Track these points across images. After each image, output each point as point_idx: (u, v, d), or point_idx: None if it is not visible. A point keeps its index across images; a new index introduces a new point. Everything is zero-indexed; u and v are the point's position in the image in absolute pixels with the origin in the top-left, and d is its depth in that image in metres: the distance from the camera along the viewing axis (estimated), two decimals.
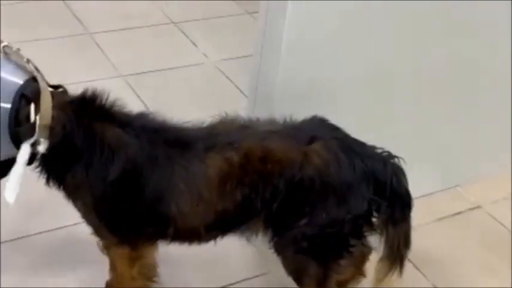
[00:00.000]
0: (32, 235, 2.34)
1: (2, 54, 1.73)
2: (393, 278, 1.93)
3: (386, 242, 1.89)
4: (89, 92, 1.78)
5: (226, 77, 3.34)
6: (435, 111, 2.53)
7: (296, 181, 1.77)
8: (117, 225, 1.85)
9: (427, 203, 2.60)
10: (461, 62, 2.46)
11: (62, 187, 1.84)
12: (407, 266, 2.33)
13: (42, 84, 1.71)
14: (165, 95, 3.16)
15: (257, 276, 2.27)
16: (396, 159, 1.86)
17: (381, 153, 1.87)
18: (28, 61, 1.76)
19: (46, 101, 1.70)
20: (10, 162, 1.72)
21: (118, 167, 1.74)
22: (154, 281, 2.00)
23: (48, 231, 2.37)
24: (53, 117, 1.71)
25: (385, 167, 1.83)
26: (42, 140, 1.70)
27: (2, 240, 2.29)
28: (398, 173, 1.84)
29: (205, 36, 3.66)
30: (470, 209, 2.67)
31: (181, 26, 3.74)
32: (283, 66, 2.13)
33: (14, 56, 1.75)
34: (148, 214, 1.81)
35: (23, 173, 1.72)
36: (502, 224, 2.62)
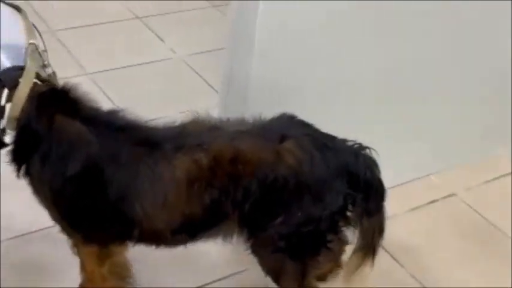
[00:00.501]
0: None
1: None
2: (367, 268, 1.93)
3: (361, 233, 1.89)
4: (62, 86, 1.75)
5: (195, 71, 3.31)
6: (407, 103, 2.53)
7: (269, 181, 1.74)
8: (79, 222, 1.81)
9: (401, 192, 2.61)
10: (431, 59, 2.48)
11: (27, 179, 1.80)
12: (384, 256, 2.38)
13: (27, 76, 1.70)
14: (133, 91, 3.11)
15: (235, 274, 2.25)
16: (368, 150, 1.86)
17: (352, 145, 1.86)
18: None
19: (22, 92, 1.69)
20: None
21: (77, 163, 1.70)
22: (127, 281, 1.96)
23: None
24: (22, 109, 1.69)
25: (358, 160, 1.82)
26: (8, 130, 1.70)
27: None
28: (370, 164, 1.84)
29: (171, 31, 3.62)
30: (444, 197, 2.69)
31: (146, 21, 3.69)
32: (256, 63, 2.12)
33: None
34: (112, 214, 1.77)
35: None
36: (476, 211, 2.64)
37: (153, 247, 1.89)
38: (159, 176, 1.72)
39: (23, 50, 1.76)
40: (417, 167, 2.72)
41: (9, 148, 1.75)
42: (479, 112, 2.77)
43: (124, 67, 3.29)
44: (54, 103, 1.73)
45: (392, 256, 2.38)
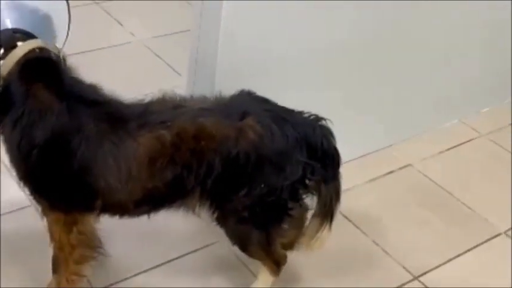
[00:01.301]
0: None
1: None
2: (325, 232, 2.03)
3: (320, 200, 2.00)
4: (49, 56, 1.80)
5: (156, 55, 3.35)
6: (364, 77, 2.63)
7: (232, 157, 1.82)
8: (44, 188, 1.86)
9: (360, 164, 2.73)
10: (383, 30, 2.56)
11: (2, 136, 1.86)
12: (348, 225, 2.48)
13: (28, 41, 1.77)
14: (94, 76, 3.09)
15: (206, 246, 2.32)
16: (323, 121, 1.96)
17: (309, 117, 1.95)
18: None
19: (15, 55, 1.76)
20: None
21: (44, 132, 1.76)
22: (96, 251, 1.99)
23: None
24: (9, 71, 1.75)
25: (315, 131, 1.92)
26: None
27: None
28: (327, 134, 1.94)
29: (129, 15, 3.64)
30: (401, 168, 2.81)
31: (103, 5, 3.71)
32: (222, 44, 2.17)
33: None
34: (75, 184, 1.82)
35: None
36: (431, 180, 2.76)
37: (117, 217, 1.96)
38: (123, 152, 1.79)
39: (28, 13, 1.84)
40: (374, 141, 2.83)
41: None
42: (430, 84, 2.88)
43: (83, 52, 3.30)
44: (36, 71, 1.78)
45: (355, 225, 2.49)
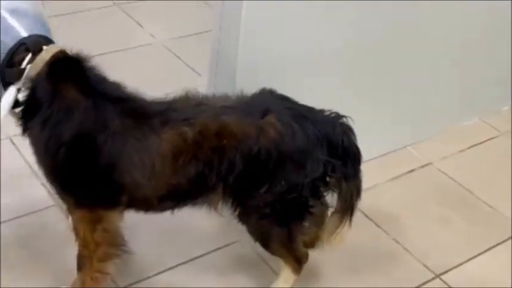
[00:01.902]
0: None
1: None
2: (346, 229, 2.04)
3: (340, 196, 2.01)
4: (75, 55, 1.86)
5: (176, 55, 3.37)
6: (383, 76, 2.63)
7: (253, 153, 1.84)
8: (71, 186, 1.89)
9: (380, 163, 2.73)
10: (409, 27, 2.57)
11: (29, 140, 1.90)
12: (369, 224, 2.48)
13: (52, 45, 1.84)
14: (115, 77, 3.14)
15: (227, 245, 2.34)
16: (344, 119, 1.97)
17: (329, 115, 1.97)
18: None
19: (43, 56, 1.81)
20: None
21: (71, 130, 1.80)
22: (120, 249, 2.01)
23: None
24: (38, 72, 1.80)
25: (335, 128, 1.93)
26: (23, 89, 1.81)
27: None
28: (347, 132, 1.96)
29: (149, 17, 3.67)
30: (422, 167, 2.81)
31: (124, 7, 3.74)
32: (243, 45, 2.19)
33: None
34: (102, 180, 1.86)
35: (6, 112, 1.82)
36: (451, 178, 2.76)
37: (142, 212, 1.99)
38: (147, 148, 1.82)
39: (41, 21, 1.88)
40: (394, 139, 2.83)
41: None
42: (450, 82, 2.88)
43: (104, 53, 3.34)
44: (62, 71, 1.83)
45: (375, 223, 2.49)
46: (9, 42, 1.82)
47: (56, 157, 1.83)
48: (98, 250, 1.97)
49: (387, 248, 2.41)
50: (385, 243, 2.43)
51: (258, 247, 2.10)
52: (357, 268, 2.31)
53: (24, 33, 1.83)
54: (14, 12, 1.85)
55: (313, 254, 2.16)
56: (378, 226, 2.49)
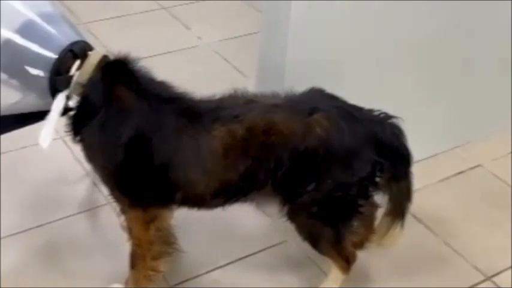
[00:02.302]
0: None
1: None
2: (397, 232, 2.04)
3: (390, 198, 2.01)
4: (123, 56, 1.90)
5: (223, 57, 3.40)
6: (434, 76, 2.62)
7: (300, 152, 1.86)
8: (127, 186, 1.93)
9: (430, 165, 2.71)
10: (461, 29, 2.55)
11: (82, 145, 1.94)
12: (418, 225, 2.47)
13: (95, 50, 1.89)
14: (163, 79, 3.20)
15: (275, 245, 2.35)
16: (393, 119, 1.96)
17: (379, 115, 1.96)
18: None
19: (91, 62, 1.86)
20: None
21: (129, 132, 1.83)
22: (172, 247, 2.05)
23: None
24: (89, 78, 1.85)
25: (384, 128, 1.93)
26: (74, 95, 1.85)
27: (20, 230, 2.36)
28: (397, 132, 1.95)
29: (196, 19, 3.72)
30: (471, 168, 2.78)
31: (171, 10, 3.79)
32: (291, 45, 2.20)
33: None
34: (157, 179, 1.89)
35: (57, 120, 1.85)
36: (502, 180, 2.72)
37: (195, 209, 2.03)
38: (200, 145, 1.85)
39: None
40: (444, 141, 2.81)
41: (70, 113, 1.90)
42: (502, 84, 2.84)
43: (152, 56, 3.39)
44: (115, 74, 1.87)
45: (425, 225, 2.47)
46: (48, 52, 1.85)
47: (113, 159, 1.87)
48: (151, 248, 2.00)
49: (437, 250, 2.39)
50: (435, 245, 2.41)
51: (307, 247, 2.10)
52: (406, 269, 2.30)
53: (65, 41, 1.87)
54: (47, 18, 1.90)
55: (362, 255, 2.16)
56: (427, 227, 2.47)
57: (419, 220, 2.48)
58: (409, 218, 2.16)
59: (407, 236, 2.14)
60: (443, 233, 2.45)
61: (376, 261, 2.28)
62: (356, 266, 2.15)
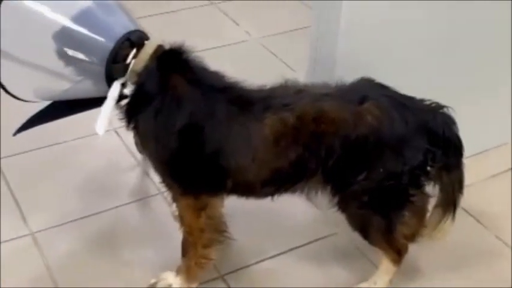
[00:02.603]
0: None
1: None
2: (448, 224, 2.03)
3: (442, 188, 2.00)
4: (178, 45, 1.93)
5: (271, 52, 3.42)
6: (486, 71, 2.58)
7: (351, 140, 1.86)
8: (179, 174, 1.96)
9: (480, 160, 2.68)
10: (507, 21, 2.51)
11: (136, 132, 1.98)
12: (469, 219, 2.44)
13: (151, 39, 1.93)
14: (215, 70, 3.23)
15: (326, 237, 2.36)
16: (445, 109, 1.95)
17: (430, 104, 1.96)
18: None
19: (147, 50, 1.90)
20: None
21: (182, 119, 1.87)
22: (223, 235, 2.08)
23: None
24: (145, 66, 1.88)
25: (436, 117, 1.92)
26: (129, 84, 1.89)
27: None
28: (448, 122, 1.94)
29: (245, 15, 3.74)
30: None
31: (220, 5, 3.83)
32: (342, 38, 2.20)
33: None
34: (209, 166, 1.92)
35: (112, 107, 1.89)
36: None
37: (245, 197, 2.04)
38: (251, 133, 1.87)
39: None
40: (495, 136, 2.77)
41: (125, 101, 1.94)
42: None
43: (200, 51, 3.41)
44: (171, 63, 1.91)
45: (476, 219, 2.45)
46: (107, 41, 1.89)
47: (167, 146, 1.90)
48: (203, 236, 2.03)
49: (488, 244, 2.37)
50: (486, 239, 2.39)
51: (357, 239, 2.10)
52: (457, 263, 2.28)
53: (120, 30, 1.90)
54: (103, 6, 1.94)
55: (413, 248, 2.14)
56: (479, 222, 2.45)
57: (470, 214, 2.46)
58: (460, 212, 2.15)
59: (458, 230, 2.12)
60: (495, 227, 2.42)
61: (427, 255, 2.27)
62: (407, 259, 2.14)
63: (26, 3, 1.87)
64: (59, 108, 2.03)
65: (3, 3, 1.81)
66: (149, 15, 3.68)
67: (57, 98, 2.02)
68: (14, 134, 2.07)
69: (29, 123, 2.04)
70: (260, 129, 1.87)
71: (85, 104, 2.01)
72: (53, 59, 1.88)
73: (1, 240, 2.29)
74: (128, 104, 1.94)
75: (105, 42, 1.88)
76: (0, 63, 1.86)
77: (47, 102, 2.03)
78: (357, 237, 2.08)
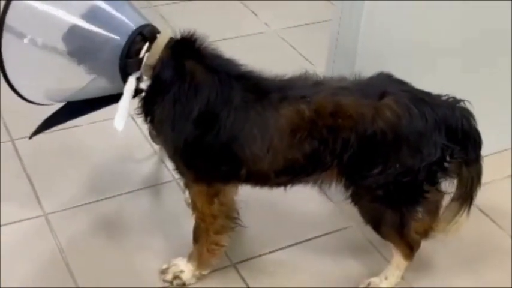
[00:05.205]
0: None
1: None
2: (463, 218, 2.01)
3: (460, 183, 1.98)
4: (191, 34, 1.92)
5: (290, 44, 3.41)
6: (505, 70, 2.56)
7: (368, 135, 1.84)
8: (193, 161, 1.95)
9: (497, 160, 2.65)
10: None
11: (152, 123, 1.98)
12: (484, 219, 2.43)
13: (163, 32, 1.92)
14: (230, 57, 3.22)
15: (339, 230, 2.35)
16: (463, 103, 1.94)
17: (448, 99, 1.94)
18: None
19: (159, 43, 1.89)
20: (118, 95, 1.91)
21: (198, 106, 1.86)
22: (235, 222, 2.08)
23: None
24: (159, 58, 1.88)
25: (454, 112, 1.90)
26: (145, 77, 1.89)
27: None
28: (467, 116, 1.92)
29: (264, 6, 3.73)
30: None
31: None
32: (363, 31, 2.19)
33: None
34: (223, 154, 1.91)
35: (129, 103, 1.89)
36: None
37: (258, 187, 2.04)
38: (266, 122, 1.86)
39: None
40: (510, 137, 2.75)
41: (142, 95, 1.94)
42: None
43: (218, 40, 3.41)
44: (185, 50, 1.90)
45: (491, 219, 2.43)
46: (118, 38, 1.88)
47: (183, 134, 1.90)
48: (215, 222, 2.03)
49: (502, 243, 2.35)
50: (500, 238, 2.37)
51: (370, 233, 2.10)
52: (470, 261, 2.27)
53: (131, 25, 1.90)
54: (111, 2, 1.93)
55: (425, 244, 2.13)
56: (493, 221, 2.43)
57: (485, 214, 2.44)
58: (475, 211, 2.14)
59: (472, 228, 2.12)
60: (509, 227, 2.40)
61: (440, 252, 2.26)
62: (420, 255, 2.14)
63: (35, 3, 1.87)
64: (74, 108, 2.04)
65: (12, 3, 1.81)
66: (167, 3, 3.69)
67: (70, 99, 2.02)
68: (30, 137, 2.09)
69: (44, 125, 2.06)
70: (276, 120, 1.86)
71: (100, 102, 2.02)
72: (64, 59, 1.88)
73: (15, 220, 2.31)
74: (144, 97, 1.94)
75: (117, 38, 1.88)
76: (6, 68, 1.86)
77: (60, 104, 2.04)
78: (370, 231, 2.08)
